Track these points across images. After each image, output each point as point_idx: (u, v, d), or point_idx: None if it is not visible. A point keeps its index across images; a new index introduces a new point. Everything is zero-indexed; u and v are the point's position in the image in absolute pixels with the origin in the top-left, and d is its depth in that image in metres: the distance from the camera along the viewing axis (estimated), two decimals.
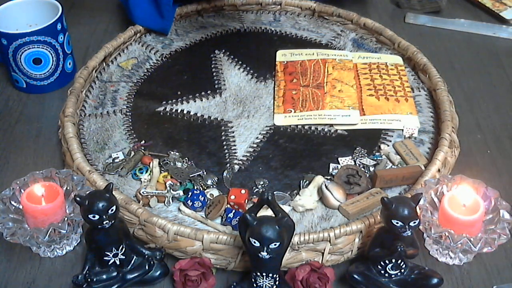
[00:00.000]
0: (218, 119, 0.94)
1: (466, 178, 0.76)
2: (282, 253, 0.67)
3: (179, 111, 0.95)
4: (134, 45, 1.08)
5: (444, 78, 0.97)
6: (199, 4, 1.14)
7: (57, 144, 0.92)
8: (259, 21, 1.15)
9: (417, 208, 0.68)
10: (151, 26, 1.09)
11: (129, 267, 0.73)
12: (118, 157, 0.87)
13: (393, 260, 0.70)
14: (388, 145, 0.89)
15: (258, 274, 0.68)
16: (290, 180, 0.84)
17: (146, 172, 0.84)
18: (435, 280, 0.71)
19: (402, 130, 0.91)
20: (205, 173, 0.85)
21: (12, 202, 0.76)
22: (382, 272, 0.71)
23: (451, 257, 0.75)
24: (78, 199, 0.68)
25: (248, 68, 1.03)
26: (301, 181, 0.84)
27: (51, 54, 0.99)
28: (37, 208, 0.73)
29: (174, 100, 0.97)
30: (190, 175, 0.84)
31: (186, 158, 0.87)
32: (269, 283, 0.69)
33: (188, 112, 0.95)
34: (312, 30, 1.12)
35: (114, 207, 0.68)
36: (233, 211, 0.78)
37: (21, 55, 0.97)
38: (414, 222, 0.66)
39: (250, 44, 1.08)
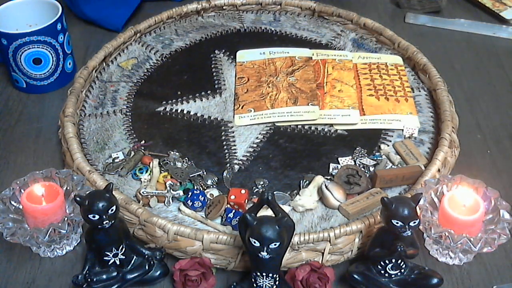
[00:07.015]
0: (218, 119, 0.94)
1: (466, 178, 0.76)
2: (282, 253, 0.67)
3: (179, 111, 0.95)
4: (134, 45, 1.08)
5: (444, 78, 0.97)
6: (199, 4, 1.14)
7: (57, 144, 0.92)
8: (259, 21, 1.14)
9: (417, 208, 0.68)
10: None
11: (129, 267, 0.73)
12: (118, 157, 0.87)
13: (393, 260, 0.70)
14: (388, 145, 0.89)
15: (258, 274, 0.68)
16: (290, 180, 0.84)
17: (146, 172, 0.84)
18: (435, 280, 0.71)
19: (402, 130, 0.91)
20: (205, 173, 0.84)
21: (12, 202, 0.76)
22: (382, 272, 0.71)
23: (451, 257, 0.75)
24: (78, 199, 0.68)
25: None
26: (301, 181, 0.84)
27: (51, 54, 0.99)
28: (37, 208, 0.73)
29: (174, 100, 0.97)
30: (190, 175, 0.84)
31: (186, 158, 0.87)
32: (269, 283, 0.69)
33: (188, 112, 0.95)
34: (312, 30, 1.12)
35: (114, 207, 0.68)
36: (233, 211, 0.78)
37: (21, 55, 0.97)
38: (414, 222, 0.66)
39: (250, 44, 1.08)
